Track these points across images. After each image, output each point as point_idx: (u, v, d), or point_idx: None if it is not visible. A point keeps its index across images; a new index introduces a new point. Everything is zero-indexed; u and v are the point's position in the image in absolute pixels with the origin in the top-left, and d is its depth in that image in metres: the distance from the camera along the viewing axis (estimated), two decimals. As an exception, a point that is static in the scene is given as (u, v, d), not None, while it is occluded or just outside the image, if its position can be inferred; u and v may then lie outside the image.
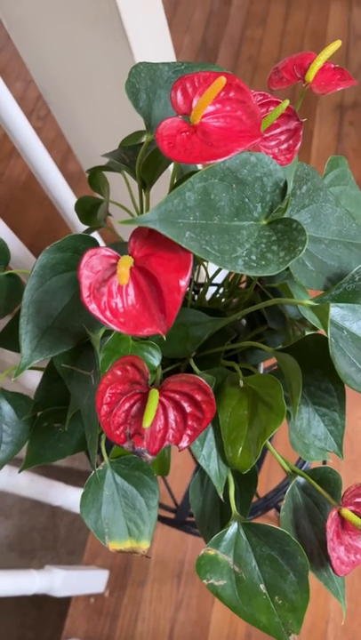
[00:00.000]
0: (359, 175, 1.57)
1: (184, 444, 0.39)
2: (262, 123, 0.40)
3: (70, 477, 1.23)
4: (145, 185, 0.51)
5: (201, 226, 0.34)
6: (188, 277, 0.33)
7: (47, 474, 1.02)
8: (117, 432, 0.38)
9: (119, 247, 0.37)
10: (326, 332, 0.36)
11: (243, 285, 0.62)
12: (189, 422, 0.39)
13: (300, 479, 0.45)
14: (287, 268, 0.36)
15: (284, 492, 0.44)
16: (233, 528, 0.43)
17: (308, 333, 0.44)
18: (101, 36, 0.71)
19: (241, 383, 0.45)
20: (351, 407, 1.26)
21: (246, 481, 0.47)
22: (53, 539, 1.28)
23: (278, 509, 0.83)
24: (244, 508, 0.46)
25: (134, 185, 0.56)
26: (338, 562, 0.41)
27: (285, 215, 0.40)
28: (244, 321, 0.62)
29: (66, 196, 0.87)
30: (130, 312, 0.34)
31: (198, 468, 0.51)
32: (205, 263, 0.62)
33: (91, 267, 0.33)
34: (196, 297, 0.67)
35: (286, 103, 0.41)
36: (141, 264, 0.34)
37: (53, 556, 1.26)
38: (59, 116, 0.90)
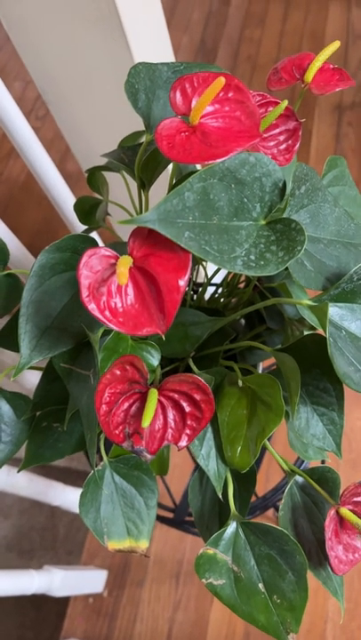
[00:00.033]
0: (358, 175, 1.57)
1: (183, 443, 0.39)
2: (261, 123, 0.40)
3: (69, 477, 1.23)
4: (144, 185, 0.51)
5: (200, 226, 0.34)
6: (187, 277, 0.33)
7: (46, 474, 1.02)
8: (116, 431, 0.38)
9: (118, 247, 0.37)
10: (325, 331, 0.36)
11: (242, 285, 0.62)
12: (188, 422, 0.39)
13: (299, 478, 0.45)
14: (286, 268, 0.36)
15: (283, 492, 0.44)
16: (232, 527, 0.43)
17: (306, 333, 0.44)
18: (100, 36, 0.71)
19: (240, 383, 0.45)
20: (350, 407, 1.26)
21: (245, 480, 0.47)
22: (52, 539, 1.28)
23: (277, 509, 0.83)
24: (242, 508, 0.46)
25: (133, 185, 0.56)
26: (336, 561, 0.41)
27: (284, 215, 0.40)
28: (242, 321, 0.62)
29: (65, 196, 0.87)
30: (129, 312, 0.34)
31: (197, 467, 0.51)
32: (204, 263, 0.62)
33: (90, 266, 0.33)
34: (195, 297, 0.67)
35: (285, 104, 0.41)
36: (140, 264, 0.34)
37: (52, 555, 1.26)
38: (57, 116, 0.90)
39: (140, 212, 0.54)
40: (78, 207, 0.62)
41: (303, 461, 0.67)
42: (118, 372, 0.38)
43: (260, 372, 0.58)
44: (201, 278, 1.07)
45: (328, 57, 0.43)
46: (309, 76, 0.43)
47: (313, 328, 0.50)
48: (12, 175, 1.77)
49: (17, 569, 0.87)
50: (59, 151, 1.73)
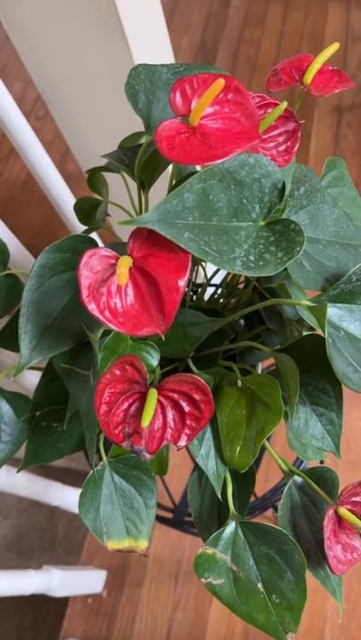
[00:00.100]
0: (357, 176, 1.57)
1: (182, 443, 0.39)
2: (261, 124, 0.40)
3: (68, 477, 1.23)
4: (144, 186, 0.51)
5: (200, 226, 0.34)
6: (186, 277, 0.33)
7: (45, 474, 1.02)
8: (116, 431, 0.38)
9: (118, 247, 0.38)
10: (324, 332, 0.36)
11: (241, 286, 0.62)
12: (188, 421, 0.39)
13: (298, 478, 0.45)
14: (285, 269, 0.36)
15: (282, 492, 0.44)
16: (231, 527, 0.43)
17: (305, 334, 0.44)
18: (100, 37, 0.71)
19: (239, 383, 0.45)
20: (349, 407, 1.26)
21: (244, 480, 0.47)
22: (51, 539, 1.28)
23: (276, 509, 0.83)
24: (241, 508, 0.47)
25: (133, 186, 0.56)
26: (335, 560, 0.41)
27: (283, 216, 0.40)
28: (242, 321, 0.63)
29: (65, 197, 0.87)
30: (129, 312, 0.34)
31: (196, 467, 0.51)
32: (204, 263, 0.62)
33: (90, 267, 0.34)
34: (194, 297, 0.67)
35: (284, 105, 0.41)
36: (140, 264, 0.34)
37: (51, 556, 1.26)
38: (57, 116, 0.90)
39: (140, 213, 0.54)
40: (78, 208, 0.62)
41: (302, 462, 0.67)
42: (118, 372, 0.38)
43: (259, 372, 0.58)
44: (200, 279, 1.07)
45: (327, 59, 0.43)
46: (308, 77, 0.43)
47: (312, 328, 0.50)
48: (11, 175, 1.77)
49: (16, 569, 0.87)
50: (59, 152, 1.73)
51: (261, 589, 0.41)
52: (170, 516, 0.75)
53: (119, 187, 0.62)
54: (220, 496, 0.44)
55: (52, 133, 1.78)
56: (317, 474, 0.45)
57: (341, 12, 1.95)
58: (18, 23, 0.75)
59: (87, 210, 0.62)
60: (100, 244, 0.58)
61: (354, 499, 0.42)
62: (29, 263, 0.78)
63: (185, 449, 0.44)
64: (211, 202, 0.35)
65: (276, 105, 0.43)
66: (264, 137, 0.43)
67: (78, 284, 0.33)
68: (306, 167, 0.43)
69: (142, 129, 0.47)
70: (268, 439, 0.44)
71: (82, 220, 0.62)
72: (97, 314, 0.33)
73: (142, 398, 0.39)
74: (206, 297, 0.63)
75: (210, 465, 0.44)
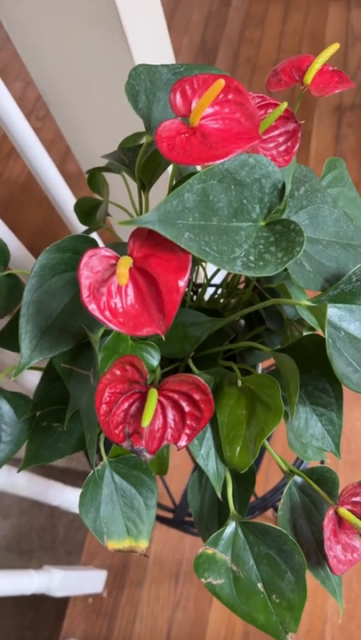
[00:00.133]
0: (357, 177, 1.57)
1: (183, 443, 0.39)
2: (261, 125, 0.40)
3: (69, 478, 1.23)
4: (144, 186, 0.51)
5: (200, 227, 0.34)
6: (186, 278, 0.33)
7: (46, 474, 1.02)
8: (116, 431, 0.39)
9: (118, 248, 0.38)
10: (324, 332, 0.36)
11: (241, 286, 0.62)
12: (188, 421, 0.39)
13: (298, 478, 0.45)
14: (285, 269, 0.36)
15: (282, 492, 0.44)
16: (231, 527, 0.43)
17: (305, 334, 0.44)
18: (100, 37, 0.71)
19: (239, 383, 0.45)
20: (349, 408, 1.26)
21: (244, 480, 0.47)
22: (52, 539, 1.28)
23: (276, 509, 0.83)
24: (242, 508, 0.47)
25: (133, 186, 0.56)
26: (335, 560, 0.41)
27: (283, 216, 0.40)
28: (242, 321, 0.63)
29: (65, 197, 0.87)
30: (129, 312, 0.34)
31: (197, 467, 0.51)
32: (204, 264, 0.62)
33: (90, 267, 0.34)
34: (194, 297, 0.67)
35: (284, 105, 0.41)
36: (141, 264, 0.34)
37: (52, 556, 1.26)
38: (58, 116, 0.90)
39: (141, 213, 0.54)
40: (79, 208, 0.62)
41: (302, 462, 0.67)
42: (118, 372, 0.38)
43: (259, 372, 0.58)
44: (201, 279, 1.07)
45: (327, 59, 0.43)
46: (309, 78, 0.43)
47: (312, 329, 0.50)
48: (12, 175, 1.77)
49: (16, 569, 0.87)
50: (59, 152, 1.73)
51: (261, 589, 0.41)
52: (170, 516, 0.75)
53: (119, 187, 0.62)
54: (220, 496, 0.44)
55: (53, 133, 1.78)
56: (318, 474, 0.45)
57: (342, 11, 1.95)
58: (18, 23, 0.75)
59: (87, 210, 0.62)
60: (101, 244, 0.58)
61: (354, 499, 0.42)
62: (30, 263, 0.78)
63: (185, 449, 0.44)
64: (211, 202, 0.35)
65: (276, 105, 0.43)
66: (264, 137, 0.43)
67: (79, 284, 0.33)
68: (306, 167, 0.43)
69: (143, 129, 0.47)
70: (268, 439, 0.44)
71: (82, 220, 0.62)
72: (97, 314, 0.33)
73: (142, 398, 0.39)
74: (206, 297, 0.63)
75: (210, 465, 0.44)
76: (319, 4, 1.99)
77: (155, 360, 0.43)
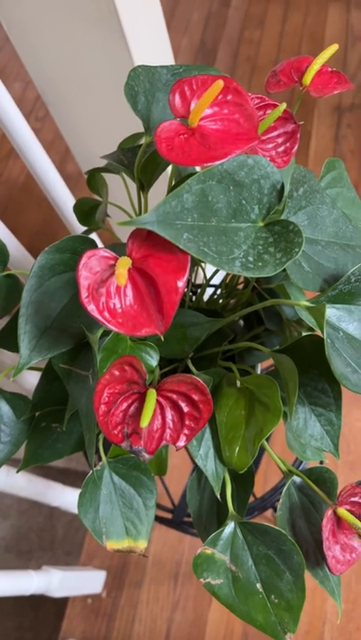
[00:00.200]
0: (356, 177, 1.57)
1: (181, 443, 0.39)
2: (260, 125, 0.40)
3: (68, 478, 1.23)
4: (143, 187, 0.51)
5: (199, 227, 0.34)
6: (185, 278, 0.33)
7: (45, 474, 1.02)
8: (115, 431, 0.39)
9: (118, 248, 0.38)
10: (322, 332, 0.36)
11: (240, 286, 0.62)
12: (187, 422, 0.39)
13: (297, 479, 0.45)
14: (284, 270, 0.36)
15: (281, 493, 0.44)
16: (230, 527, 0.43)
17: (304, 334, 0.44)
18: (100, 37, 0.71)
19: (238, 383, 0.46)
20: (348, 408, 1.26)
21: (243, 481, 0.47)
22: (51, 539, 1.28)
23: (275, 510, 0.83)
24: (240, 508, 0.47)
25: (133, 187, 0.56)
26: (334, 561, 0.41)
27: (282, 217, 0.41)
28: (241, 322, 0.63)
29: (64, 197, 0.87)
30: (128, 312, 0.34)
31: (196, 467, 0.51)
32: (203, 264, 0.62)
33: (89, 268, 0.34)
34: (193, 298, 0.67)
35: (283, 106, 0.41)
36: (140, 265, 0.34)
37: (51, 556, 1.26)
38: (57, 117, 0.90)
39: (140, 214, 0.54)
40: (78, 208, 0.62)
41: (301, 462, 0.67)
42: (117, 373, 0.38)
43: (258, 372, 0.58)
44: (200, 279, 1.07)
45: (326, 59, 0.43)
46: (308, 78, 0.43)
47: (311, 329, 0.50)
48: (11, 176, 1.77)
49: (15, 569, 0.87)
50: (58, 152, 1.73)
51: (260, 589, 0.41)
52: (169, 516, 0.75)
53: (119, 187, 0.62)
54: (219, 496, 0.44)
55: (52, 134, 1.78)
56: (316, 474, 0.45)
57: (341, 12, 1.95)
58: (18, 23, 0.75)
59: (87, 211, 0.62)
60: (100, 244, 0.58)
61: (353, 499, 0.42)
62: (29, 264, 0.78)
63: (184, 449, 0.44)
64: (210, 203, 0.35)
65: (275, 106, 0.43)
66: (263, 138, 0.43)
67: (78, 285, 0.33)
68: (305, 168, 0.43)
69: (142, 130, 0.47)
70: (267, 440, 0.44)
71: (81, 220, 0.62)
72: (96, 314, 0.33)
73: (141, 399, 0.39)
74: (206, 297, 0.63)
75: (209, 465, 0.44)
76: (319, 4, 1.99)
77: (154, 360, 0.43)
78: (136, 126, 0.54)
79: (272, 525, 0.41)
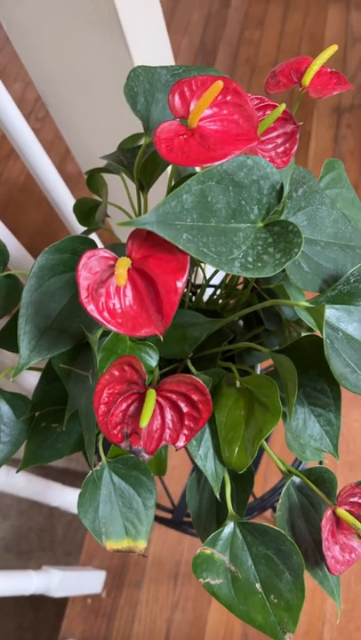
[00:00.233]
0: (356, 177, 1.57)
1: (181, 443, 0.39)
2: (259, 126, 0.40)
3: (67, 478, 1.23)
4: (143, 187, 0.51)
5: (198, 228, 0.34)
6: (185, 279, 0.33)
7: (45, 474, 1.02)
8: (115, 432, 0.39)
9: (117, 249, 0.38)
10: (322, 333, 0.36)
11: (240, 287, 0.62)
12: (186, 422, 0.39)
13: (296, 479, 0.45)
14: (283, 270, 0.36)
15: (280, 493, 0.45)
16: (229, 527, 0.43)
17: (304, 334, 0.44)
18: (100, 37, 0.71)
19: (238, 384, 0.46)
20: (347, 408, 1.26)
21: (243, 481, 0.47)
22: (51, 540, 1.28)
23: (275, 510, 0.84)
24: (240, 508, 0.47)
25: (132, 187, 0.56)
26: (333, 561, 0.41)
27: (282, 217, 0.41)
28: (241, 322, 0.63)
29: (64, 198, 0.87)
30: (127, 313, 0.34)
31: (195, 468, 0.51)
32: (203, 264, 0.62)
33: (89, 268, 0.34)
34: (193, 298, 0.67)
35: (283, 107, 0.41)
36: (139, 265, 0.34)
37: (50, 556, 1.26)
38: (57, 117, 0.90)
39: (139, 214, 0.54)
40: (78, 209, 0.62)
41: (301, 462, 0.67)
42: (117, 373, 0.38)
43: (258, 373, 0.58)
44: (199, 280, 1.07)
45: (326, 60, 0.43)
46: (307, 79, 0.43)
47: (310, 329, 0.50)
48: (11, 176, 1.77)
49: (15, 569, 0.87)
50: (58, 153, 1.73)
51: (260, 589, 0.41)
52: (169, 516, 0.75)
53: (118, 188, 0.62)
54: (218, 496, 0.44)
55: (52, 134, 1.78)
56: (316, 474, 0.45)
57: (341, 13, 1.95)
58: (18, 24, 0.75)
59: (87, 211, 0.62)
60: (100, 244, 0.59)
61: (352, 499, 0.42)
62: (29, 264, 0.78)
63: (184, 449, 0.44)
64: (209, 203, 0.35)
65: (274, 107, 0.43)
66: (263, 139, 0.43)
67: (77, 285, 0.33)
68: (304, 169, 0.43)
69: (142, 130, 0.47)
70: (266, 440, 0.44)
71: (81, 220, 0.62)
72: (96, 315, 0.33)
73: (141, 399, 0.39)
74: (205, 298, 0.63)
75: (208, 465, 0.44)
76: (319, 4, 1.99)
77: (153, 361, 0.43)
78: (136, 127, 0.54)
79: (271, 525, 0.42)
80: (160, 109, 0.45)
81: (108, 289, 0.34)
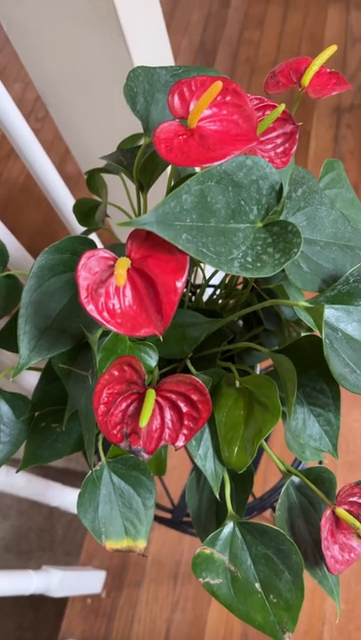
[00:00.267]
0: (356, 178, 1.57)
1: (180, 443, 0.40)
2: (258, 126, 0.40)
3: (67, 478, 1.23)
4: (142, 187, 0.51)
5: (197, 228, 0.34)
6: (184, 279, 0.33)
7: (45, 474, 1.02)
8: (114, 431, 0.39)
9: (117, 249, 0.38)
10: (321, 333, 0.36)
11: (239, 287, 0.62)
12: (186, 422, 0.39)
13: (296, 479, 0.45)
14: (283, 270, 0.36)
15: (280, 493, 0.45)
16: (229, 527, 0.43)
17: (303, 334, 0.44)
18: (99, 38, 0.72)
19: (237, 384, 0.46)
20: (347, 408, 1.27)
21: (242, 481, 0.47)
22: (50, 539, 1.28)
23: (274, 510, 0.84)
24: (239, 508, 0.47)
25: (132, 187, 0.56)
26: (332, 560, 0.41)
27: (281, 218, 0.41)
28: (240, 322, 0.63)
29: (64, 198, 0.87)
30: (127, 313, 0.34)
31: (195, 467, 0.51)
32: (202, 264, 0.62)
33: (89, 268, 0.34)
34: (193, 298, 0.67)
35: (282, 107, 0.41)
36: (139, 265, 0.35)
37: (50, 556, 1.26)
38: (57, 117, 0.90)
39: (139, 215, 0.55)
40: (77, 209, 0.62)
41: (300, 462, 0.67)
42: (116, 373, 0.38)
43: (257, 373, 0.58)
44: (199, 280, 1.07)
45: (325, 60, 0.44)
46: (306, 80, 0.43)
47: (310, 329, 0.50)
48: (11, 176, 1.77)
49: (15, 569, 0.87)
50: (58, 153, 1.73)
51: (259, 589, 0.41)
52: (169, 516, 0.75)
53: (118, 188, 0.62)
54: (218, 496, 0.44)
55: (52, 134, 1.78)
56: (315, 474, 0.45)
57: (341, 13, 1.95)
58: (17, 24, 0.75)
59: (86, 211, 0.62)
60: (100, 245, 0.59)
61: (351, 499, 0.42)
62: (29, 264, 0.78)
63: (184, 449, 0.44)
64: (209, 203, 0.35)
65: (274, 107, 0.43)
66: (262, 139, 0.43)
67: (77, 285, 0.33)
68: (304, 169, 0.43)
69: (141, 130, 0.47)
70: (266, 440, 0.44)
71: (81, 221, 0.62)
72: (95, 315, 0.33)
73: (140, 399, 0.39)
74: (205, 298, 0.63)
75: (208, 465, 0.44)
76: (318, 5, 1.99)
77: (153, 361, 0.43)
78: (135, 127, 0.54)
79: (271, 525, 0.42)
80: (160, 110, 0.45)
81: (108, 289, 0.34)
